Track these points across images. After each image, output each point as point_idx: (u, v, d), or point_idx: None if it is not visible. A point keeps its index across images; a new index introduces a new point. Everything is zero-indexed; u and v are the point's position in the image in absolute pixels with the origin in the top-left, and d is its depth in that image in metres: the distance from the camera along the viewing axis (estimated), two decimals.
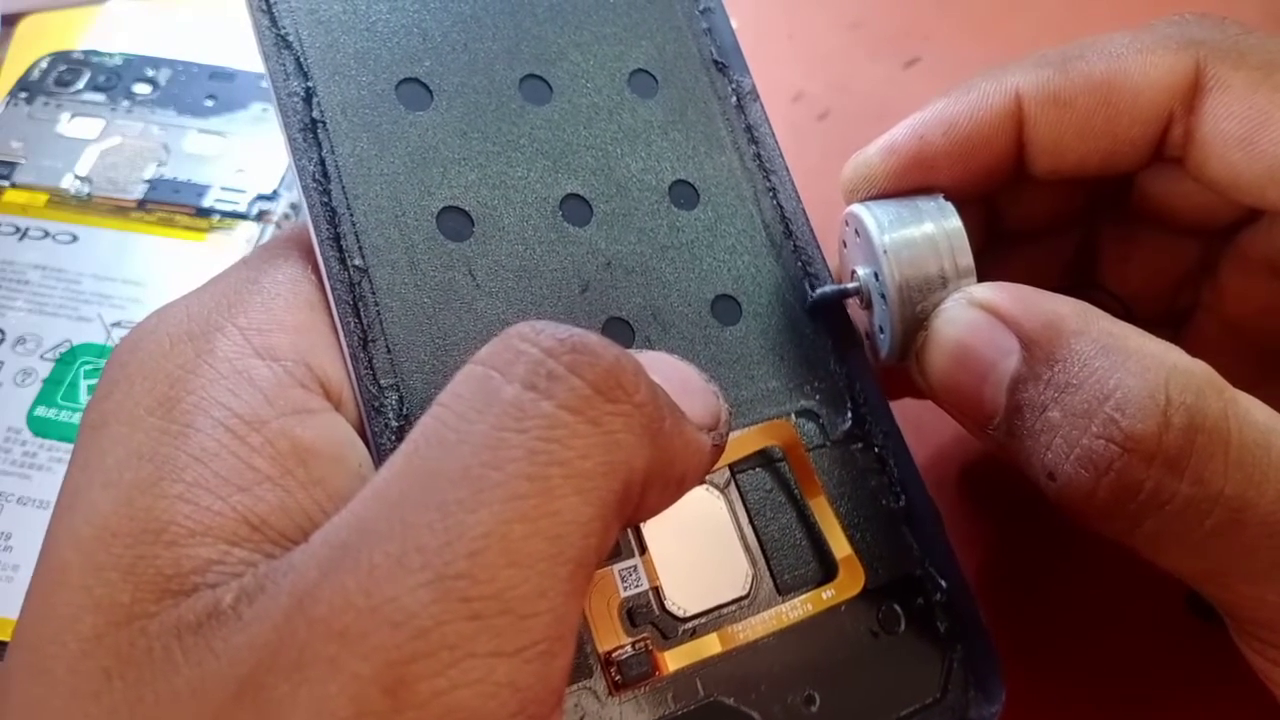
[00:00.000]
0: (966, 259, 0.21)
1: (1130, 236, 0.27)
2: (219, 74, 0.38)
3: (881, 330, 0.22)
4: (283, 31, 0.21)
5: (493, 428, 0.15)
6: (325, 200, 0.20)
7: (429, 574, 0.14)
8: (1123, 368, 0.18)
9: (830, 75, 0.40)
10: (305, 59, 0.21)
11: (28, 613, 0.16)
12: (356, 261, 0.20)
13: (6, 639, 0.28)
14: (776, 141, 0.23)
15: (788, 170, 0.23)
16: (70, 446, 0.31)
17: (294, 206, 0.36)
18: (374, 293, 0.20)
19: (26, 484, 0.30)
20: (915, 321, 0.22)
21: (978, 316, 0.20)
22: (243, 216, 0.35)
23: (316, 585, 0.14)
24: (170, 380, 0.17)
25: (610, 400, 0.15)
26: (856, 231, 0.23)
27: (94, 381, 0.32)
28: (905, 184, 0.23)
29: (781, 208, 0.23)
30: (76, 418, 0.31)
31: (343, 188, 0.20)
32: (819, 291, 0.23)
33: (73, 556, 0.16)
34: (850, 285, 0.23)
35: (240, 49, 0.40)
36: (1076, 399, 0.19)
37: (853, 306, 0.23)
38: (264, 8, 0.21)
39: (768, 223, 0.23)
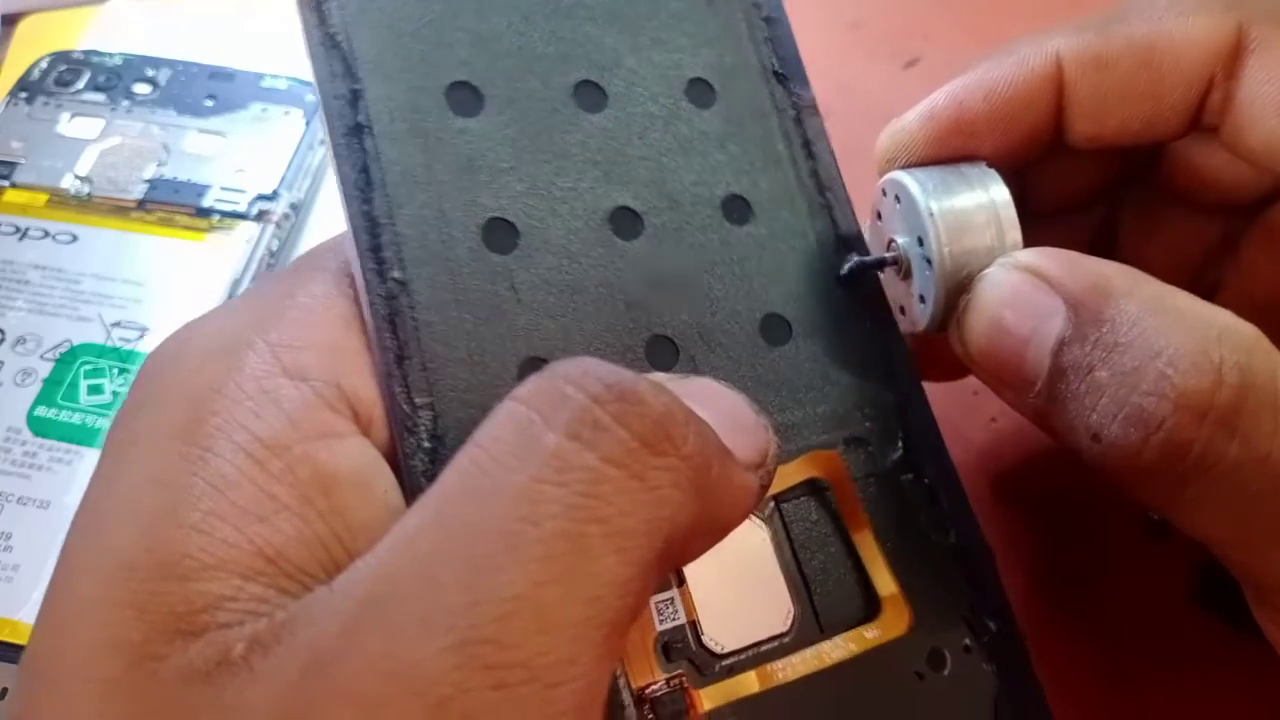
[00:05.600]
0: (1013, 223, 0.21)
1: (1153, 216, 0.27)
2: (219, 74, 0.38)
3: (922, 299, 0.22)
4: (331, 30, 0.20)
5: (531, 479, 0.14)
6: (366, 209, 0.19)
7: (453, 638, 0.13)
8: (1173, 327, 0.18)
9: (830, 75, 0.40)
10: (353, 60, 0.20)
11: (42, 641, 0.16)
12: (395, 274, 0.19)
13: (6, 639, 0.28)
14: (834, 158, 0.23)
15: (844, 187, 0.23)
16: (70, 446, 0.31)
17: (294, 206, 0.36)
18: (412, 307, 0.19)
19: (26, 484, 0.30)
20: (958, 288, 0.21)
21: (1022, 279, 0.20)
22: (243, 216, 0.35)
23: (336, 642, 0.14)
24: (196, 400, 0.17)
25: (656, 453, 0.15)
26: (897, 198, 0.22)
27: (94, 381, 0.32)
28: (945, 151, 0.23)
29: (837, 225, 0.22)
30: (76, 418, 0.31)
31: (386, 196, 0.19)
32: (853, 260, 0.22)
33: (89, 588, 0.16)
34: (888, 255, 0.22)
35: (240, 49, 0.40)
36: (1125, 358, 0.18)
37: (887, 278, 0.23)
38: (313, 5, 0.20)
39: (822, 242, 0.22)
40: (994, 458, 0.31)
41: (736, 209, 0.22)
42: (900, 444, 0.21)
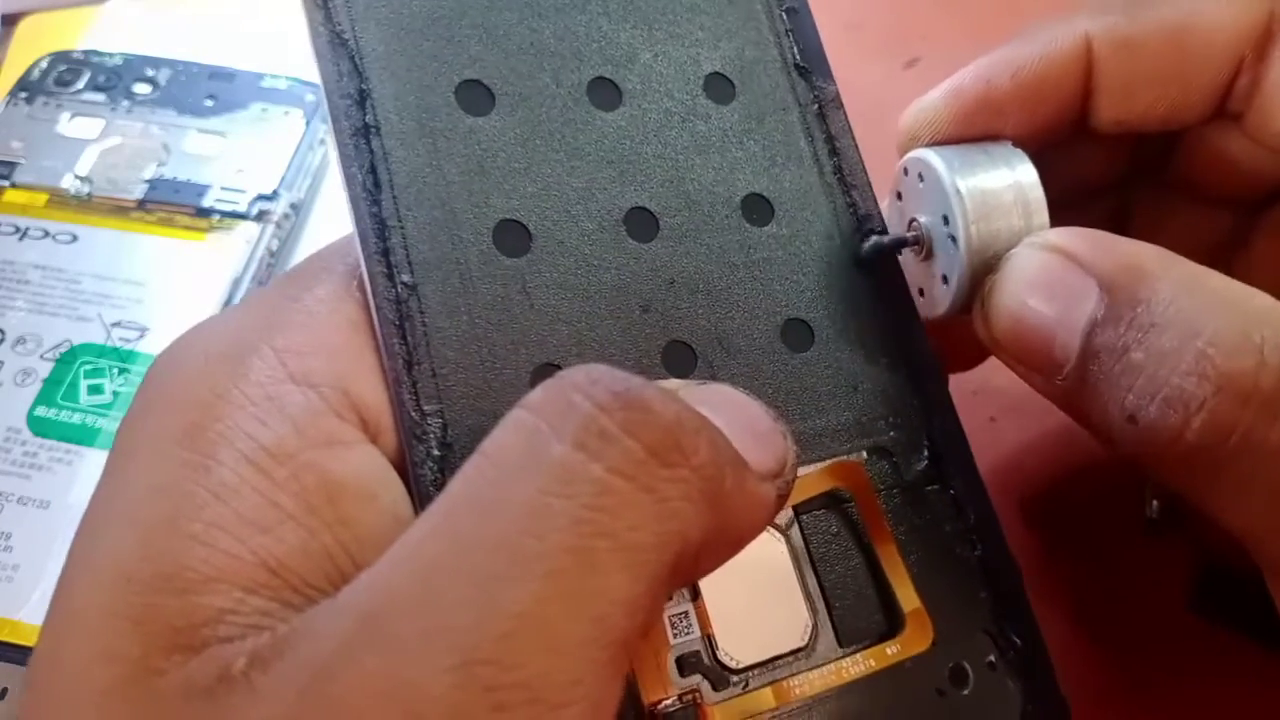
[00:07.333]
0: (1040, 204, 0.21)
1: (1163, 209, 0.26)
2: (219, 74, 0.38)
3: (945, 280, 0.21)
4: (338, 28, 0.19)
5: (537, 491, 0.14)
6: (375, 211, 0.18)
7: (455, 657, 0.13)
8: (1212, 308, 0.18)
9: None
10: (360, 58, 0.19)
11: (41, 651, 0.16)
12: (405, 278, 0.18)
13: (6, 639, 0.28)
14: (859, 154, 0.22)
15: (870, 185, 0.22)
16: (70, 446, 0.31)
17: (294, 206, 0.36)
18: (422, 312, 0.18)
19: (26, 484, 0.30)
20: (984, 268, 0.20)
21: (1052, 259, 0.19)
22: (243, 216, 0.35)
23: (334, 658, 0.13)
24: (199, 406, 0.17)
25: (666, 464, 0.14)
26: (920, 176, 0.22)
27: (94, 381, 0.32)
28: (969, 130, 0.22)
29: (862, 225, 0.22)
30: (76, 418, 0.31)
31: (394, 198, 0.19)
32: (873, 241, 0.21)
33: (86, 599, 0.16)
34: (909, 234, 0.22)
35: (240, 49, 0.40)
36: (1163, 339, 0.18)
37: (906, 260, 0.22)
38: (318, 2, 0.19)
39: (846, 243, 0.21)
40: (993, 457, 0.31)
41: (757, 209, 0.21)
42: (926, 454, 0.21)
